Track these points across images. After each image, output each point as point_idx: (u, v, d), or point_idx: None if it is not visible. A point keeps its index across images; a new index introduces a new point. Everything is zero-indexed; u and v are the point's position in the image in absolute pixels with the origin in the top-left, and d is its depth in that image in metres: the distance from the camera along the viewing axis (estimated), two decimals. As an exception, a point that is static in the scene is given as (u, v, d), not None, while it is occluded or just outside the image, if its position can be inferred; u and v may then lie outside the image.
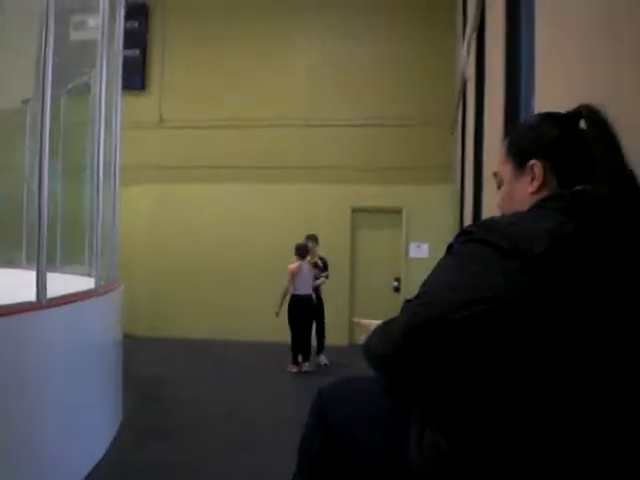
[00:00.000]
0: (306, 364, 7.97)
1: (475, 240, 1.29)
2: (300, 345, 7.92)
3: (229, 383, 7.01)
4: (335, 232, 10.16)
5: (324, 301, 8.62)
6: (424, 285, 1.33)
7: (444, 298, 1.25)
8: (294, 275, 7.89)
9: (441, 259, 1.36)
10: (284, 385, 7.09)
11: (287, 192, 10.71)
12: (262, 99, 11.41)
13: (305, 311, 7.97)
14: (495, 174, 1.57)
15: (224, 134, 11.45)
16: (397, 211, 10.45)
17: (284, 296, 7.97)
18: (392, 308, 1.68)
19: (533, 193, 1.43)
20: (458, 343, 1.22)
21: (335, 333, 9.23)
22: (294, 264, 7.96)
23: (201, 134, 11.50)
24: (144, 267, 10.84)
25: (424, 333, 1.25)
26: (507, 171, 1.51)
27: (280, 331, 8.41)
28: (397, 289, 10.10)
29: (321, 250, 8.68)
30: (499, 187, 1.56)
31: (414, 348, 1.25)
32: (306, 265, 8.01)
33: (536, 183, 1.43)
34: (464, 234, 1.33)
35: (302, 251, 8.04)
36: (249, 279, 10.58)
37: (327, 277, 8.51)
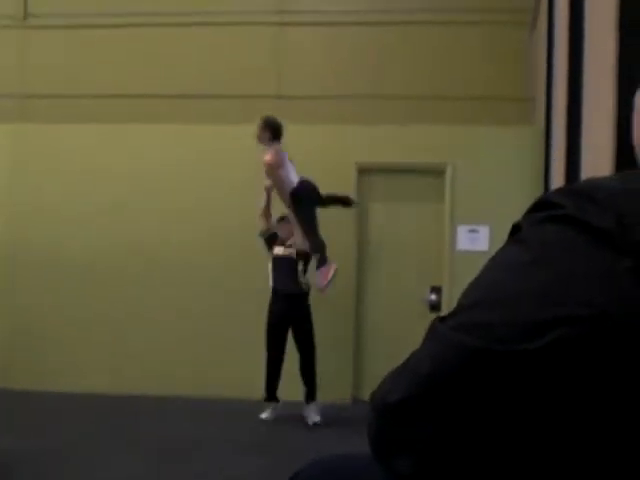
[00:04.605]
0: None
1: (560, 219, 0.88)
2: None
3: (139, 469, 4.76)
4: (328, 209, 6.79)
5: (312, 315, 6.17)
6: (468, 293, 0.91)
7: (505, 316, 0.85)
8: (278, 171, 5.71)
9: (500, 249, 0.94)
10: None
11: (242, 139, 7.00)
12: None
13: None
14: None
15: (134, 38, 7.61)
16: (437, 171, 7.03)
17: (267, 213, 6.11)
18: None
19: None
20: (528, 391, 0.83)
21: (329, 381, 6.53)
22: (268, 154, 5.71)
23: (93, 37, 7.66)
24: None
25: (468, 375, 0.85)
26: None
27: (245, 383, 6.40)
28: (435, 306, 7.02)
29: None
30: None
31: (452, 400, 0.85)
32: (286, 156, 5.86)
33: None
34: (541, 207, 0.91)
35: (277, 128, 5.80)
36: (179, 285, 7.11)
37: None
